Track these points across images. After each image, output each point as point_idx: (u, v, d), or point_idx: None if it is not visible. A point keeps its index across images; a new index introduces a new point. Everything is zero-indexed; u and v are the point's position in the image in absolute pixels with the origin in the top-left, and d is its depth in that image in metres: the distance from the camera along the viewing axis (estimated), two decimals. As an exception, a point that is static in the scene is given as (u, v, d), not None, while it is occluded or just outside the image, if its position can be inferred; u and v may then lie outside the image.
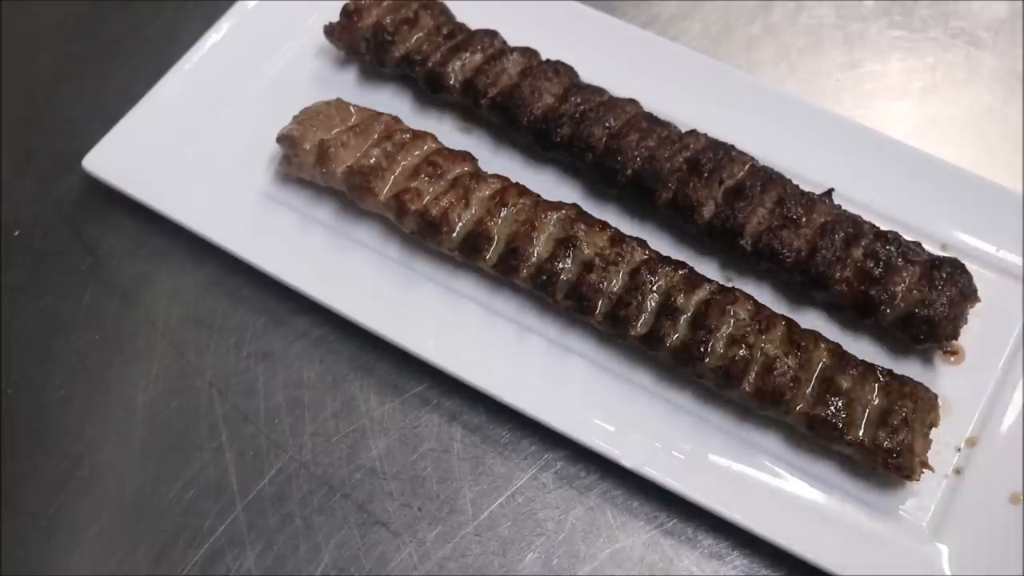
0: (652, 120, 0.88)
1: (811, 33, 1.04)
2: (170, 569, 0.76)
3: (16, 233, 0.92)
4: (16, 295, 0.89)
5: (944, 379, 0.80)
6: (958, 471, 0.76)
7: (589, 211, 0.84)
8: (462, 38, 0.93)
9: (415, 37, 0.93)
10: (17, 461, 0.81)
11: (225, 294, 0.88)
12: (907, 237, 0.83)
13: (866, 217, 0.84)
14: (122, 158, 0.89)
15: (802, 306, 0.84)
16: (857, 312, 0.81)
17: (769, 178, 0.84)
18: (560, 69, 0.91)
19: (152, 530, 0.77)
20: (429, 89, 0.93)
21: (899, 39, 1.03)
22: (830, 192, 0.85)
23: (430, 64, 0.92)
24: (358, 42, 0.94)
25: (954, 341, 0.79)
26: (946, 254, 0.83)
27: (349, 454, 0.80)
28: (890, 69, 1.01)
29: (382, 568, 0.76)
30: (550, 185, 0.90)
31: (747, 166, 0.85)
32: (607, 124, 0.87)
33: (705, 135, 0.87)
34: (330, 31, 0.95)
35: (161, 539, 0.77)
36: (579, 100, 0.88)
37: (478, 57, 0.92)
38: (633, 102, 0.89)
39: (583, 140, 0.87)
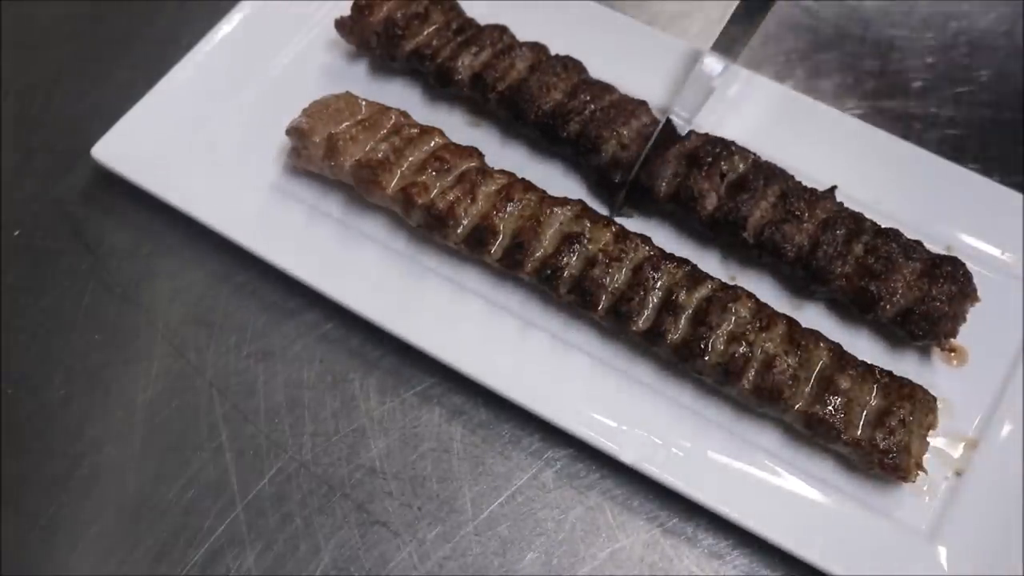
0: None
1: (810, 32, 1.04)
2: (170, 569, 0.76)
3: (16, 233, 0.92)
4: (16, 295, 0.89)
5: (946, 381, 0.80)
6: (958, 473, 0.76)
7: (596, 204, 0.84)
8: (471, 33, 0.93)
9: (425, 32, 0.94)
10: (17, 461, 0.81)
11: (225, 293, 0.88)
12: (910, 236, 0.83)
13: (868, 216, 0.84)
14: (131, 148, 0.89)
15: (802, 300, 0.84)
16: (856, 307, 0.81)
17: (772, 173, 0.84)
18: (569, 64, 0.91)
19: (152, 530, 0.77)
20: (438, 83, 0.93)
21: (899, 39, 1.03)
22: (833, 189, 0.85)
23: (439, 59, 0.92)
24: (369, 36, 0.94)
25: (953, 340, 0.79)
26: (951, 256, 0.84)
27: (349, 454, 0.80)
28: (890, 69, 1.01)
29: (382, 568, 0.76)
30: (557, 178, 0.91)
31: (749, 160, 0.85)
32: (615, 128, 0.87)
33: (706, 134, 0.87)
34: (341, 25, 0.95)
35: (161, 539, 0.77)
36: (588, 97, 0.89)
37: (487, 52, 0.92)
38: (642, 104, 0.90)
39: (590, 141, 0.87)
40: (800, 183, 0.85)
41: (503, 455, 0.80)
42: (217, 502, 0.78)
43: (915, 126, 0.97)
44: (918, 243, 0.82)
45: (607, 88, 0.90)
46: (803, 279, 0.83)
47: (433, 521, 0.77)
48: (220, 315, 0.87)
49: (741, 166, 0.85)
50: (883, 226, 0.83)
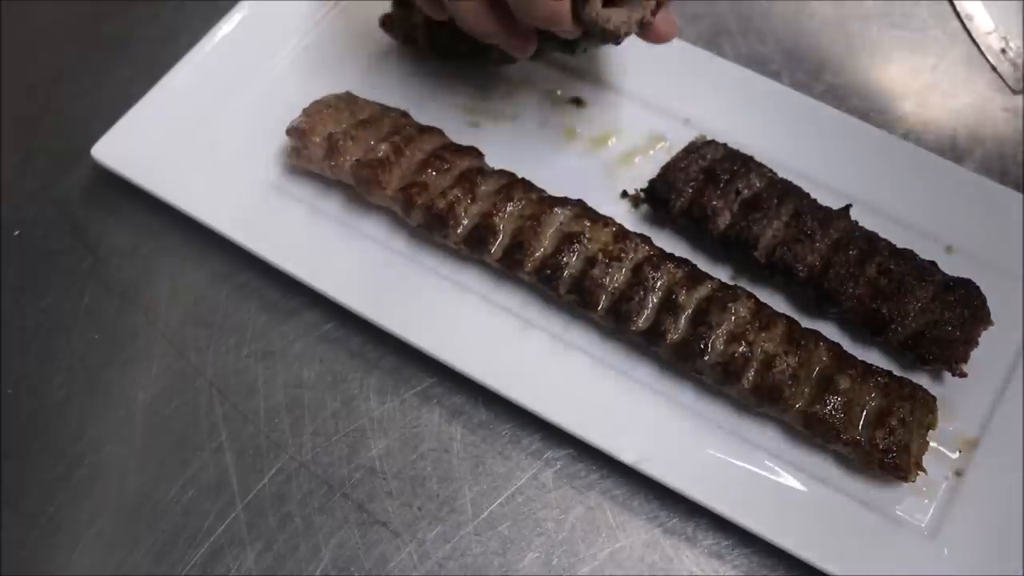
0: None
1: (811, 33, 1.04)
2: (170, 569, 0.76)
3: (16, 233, 0.92)
4: (16, 295, 0.89)
5: (946, 380, 0.80)
6: (958, 473, 0.76)
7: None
8: None
9: None
10: (17, 461, 0.81)
11: (225, 293, 0.88)
12: (909, 237, 0.83)
13: (866, 213, 0.84)
14: (131, 148, 0.89)
15: (813, 319, 0.83)
16: (868, 329, 0.80)
17: (786, 191, 0.84)
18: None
19: (152, 530, 0.77)
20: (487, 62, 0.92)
21: (899, 39, 1.03)
22: (847, 208, 0.84)
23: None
24: (414, 29, 0.93)
25: (963, 364, 0.78)
26: (951, 256, 0.84)
27: (349, 454, 0.80)
28: (890, 69, 1.01)
29: (382, 568, 0.76)
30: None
31: (766, 177, 0.84)
32: None
33: (724, 145, 0.87)
34: (386, 22, 0.95)
35: (161, 539, 0.77)
36: None
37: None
38: None
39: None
40: (815, 201, 0.84)
41: (503, 455, 0.80)
42: (217, 502, 0.78)
43: (915, 126, 0.97)
44: (933, 264, 0.81)
45: None
46: (815, 299, 0.82)
47: (433, 521, 0.77)
48: (220, 315, 0.87)
49: (757, 183, 0.84)
50: (886, 228, 0.82)
